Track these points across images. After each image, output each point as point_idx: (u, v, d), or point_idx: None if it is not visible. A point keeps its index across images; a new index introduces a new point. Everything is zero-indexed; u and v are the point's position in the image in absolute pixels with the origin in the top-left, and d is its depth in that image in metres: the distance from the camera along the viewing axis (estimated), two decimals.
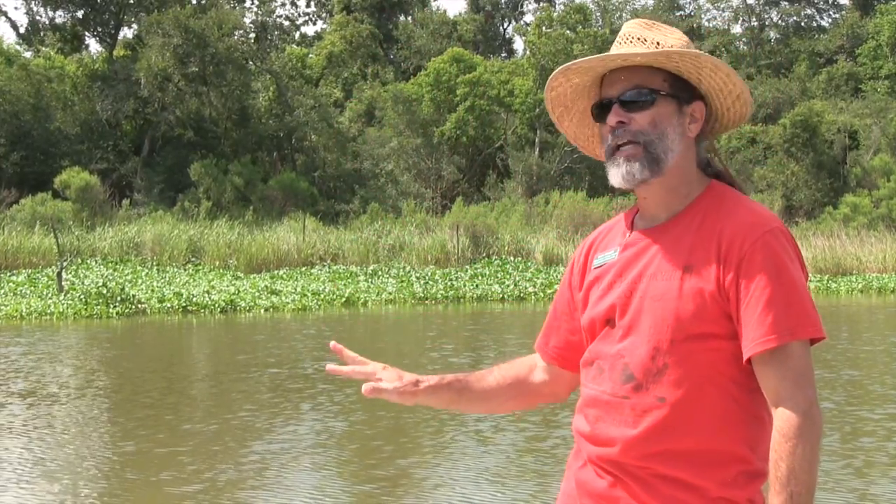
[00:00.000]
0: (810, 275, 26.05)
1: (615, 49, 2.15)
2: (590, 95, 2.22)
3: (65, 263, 21.35)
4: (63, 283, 19.88)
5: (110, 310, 17.66)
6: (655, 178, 2.09)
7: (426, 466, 7.46)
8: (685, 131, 2.12)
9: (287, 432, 8.49)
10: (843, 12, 54.36)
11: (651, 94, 2.09)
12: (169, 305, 18.44)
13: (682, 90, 2.12)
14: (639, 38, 2.13)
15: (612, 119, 2.11)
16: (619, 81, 2.12)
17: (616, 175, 2.11)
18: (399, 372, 2.25)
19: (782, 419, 1.95)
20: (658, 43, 2.12)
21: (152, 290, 20.11)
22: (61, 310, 17.62)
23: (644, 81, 2.10)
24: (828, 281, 25.09)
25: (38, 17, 42.09)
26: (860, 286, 24.20)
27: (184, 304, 18.52)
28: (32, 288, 20.57)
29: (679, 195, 2.13)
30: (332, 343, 2.27)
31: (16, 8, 73.65)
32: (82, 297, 18.31)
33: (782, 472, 1.92)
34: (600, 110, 2.15)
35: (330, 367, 2.28)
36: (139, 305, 18.22)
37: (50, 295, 19.33)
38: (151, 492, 6.71)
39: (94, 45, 43.87)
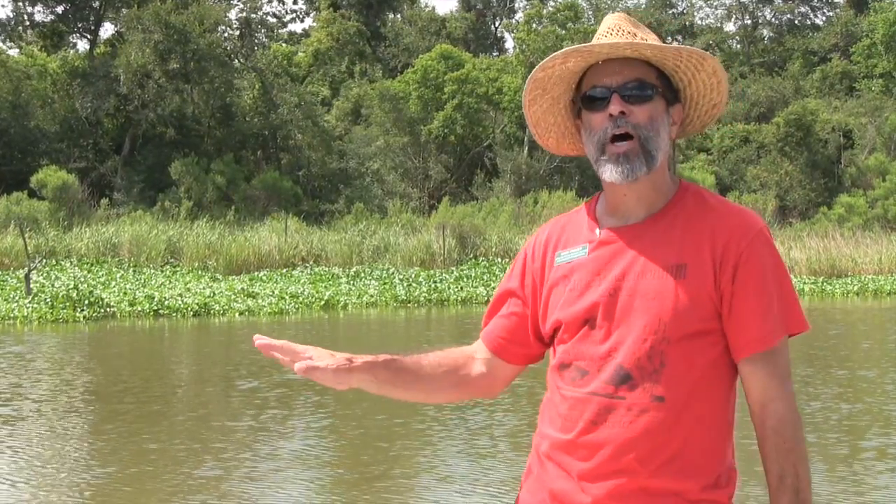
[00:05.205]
0: (805, 277, 25.57)
1: (605, 39, 2.12)
2: (569, 85, 2.19)
3: (34, 265, 20.61)
4: (31, 286, 19.15)
5: (77, 314, 16.93)
6: (649, 175, 2.09)
7: (419, 473, 7.22)
8: (670, 132, 2.14)
9: (276, 438, 8.19)
10: (838, 10, 53.94)
11: (652, 88, 2.10)
12: (140, 309, 17.73)
13: (669, 91, 2.14)
14: (629, 33, 2.12)
15: (615, 108, 2.08)
16: (616, 73, 2.10)
17: (615, 172, 2.08)
18: (330, 351, 2.12)
19: (775, 417, 2.00)
20: (646, 41, 2.11)
21: (124, 293, 19.38)
22: (26, 314, 16.88)
23: (644, 75, 2.10)
24: (822, 283, 24.51)
25: (23, 15, 41.37)
26: (856, 288, 23.62)
27: (155, 308, 17.79)
28: (0, 291, 19.84)
29: (660, 194, 2.13)
30: (257, 337, 2.10)
31: (3, 6, 72.69)
32: (49, 300, 17.58)
33: (785, 471, 1.98)
34: (590, 100, 2.12)
35: (259, 338, 2.10)
36: (108, 309, 17.50)
37: (17, 298, 18.59)
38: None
39: (80, 44, 43.19)
